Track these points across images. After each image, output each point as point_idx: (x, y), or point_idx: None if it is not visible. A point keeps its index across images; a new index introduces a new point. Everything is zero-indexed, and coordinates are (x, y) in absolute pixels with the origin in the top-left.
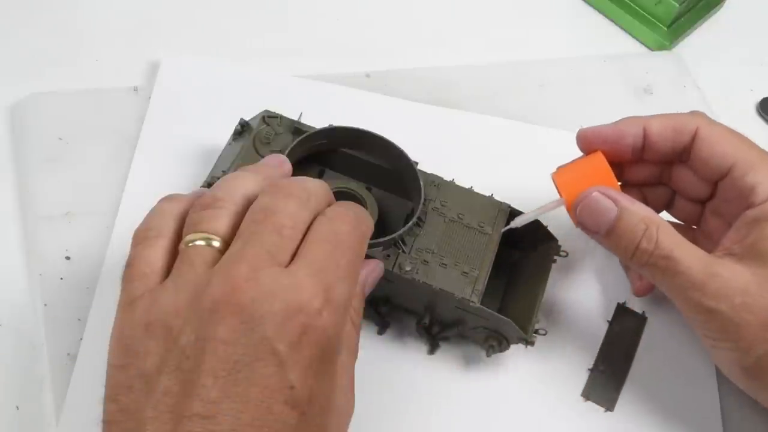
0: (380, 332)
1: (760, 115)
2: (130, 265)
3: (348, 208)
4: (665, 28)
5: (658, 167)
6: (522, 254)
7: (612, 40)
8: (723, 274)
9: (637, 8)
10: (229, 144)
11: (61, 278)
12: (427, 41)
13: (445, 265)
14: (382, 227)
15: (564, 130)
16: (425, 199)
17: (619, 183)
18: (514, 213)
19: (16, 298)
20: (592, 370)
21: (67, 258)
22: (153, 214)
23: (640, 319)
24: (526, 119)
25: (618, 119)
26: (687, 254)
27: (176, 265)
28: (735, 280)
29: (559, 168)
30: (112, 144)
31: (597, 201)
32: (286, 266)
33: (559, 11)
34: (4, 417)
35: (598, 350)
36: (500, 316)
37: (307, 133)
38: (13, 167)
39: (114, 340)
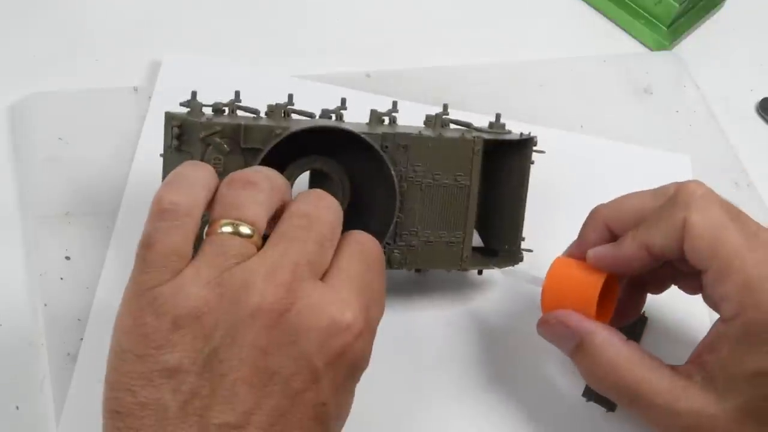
0: None
1: (760, 115)
2: (151, 244)
3: (362, 233)
4: (665, 28)
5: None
6: (498, 163)
7: (612, 40)
8: (694, 406)
9: (637, 8)
10: (168, 154)
11: (61, 278)
12: (427, 41)
13: (431, 242)
14: (360, 201)
15: (564, 130)
16: (399, 177)
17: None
18: (489, 142)
19: (16, 298)
20: None
21: (67, 258)
22: (180, 180)
23: (640, 319)
24: (526, 119)
25: (619, 244)
26: (656, 381)
27: (206, 250)
28: (704, 414)
29: (559, 260)
30: (112, 144)
31: (556, 330)
32: (321, 279)
33: (559, 11)
34: (4, 417)
35: None
36: (492, 266)
37: (265, 151)
38: (13, 167)
39: (128, 325)
